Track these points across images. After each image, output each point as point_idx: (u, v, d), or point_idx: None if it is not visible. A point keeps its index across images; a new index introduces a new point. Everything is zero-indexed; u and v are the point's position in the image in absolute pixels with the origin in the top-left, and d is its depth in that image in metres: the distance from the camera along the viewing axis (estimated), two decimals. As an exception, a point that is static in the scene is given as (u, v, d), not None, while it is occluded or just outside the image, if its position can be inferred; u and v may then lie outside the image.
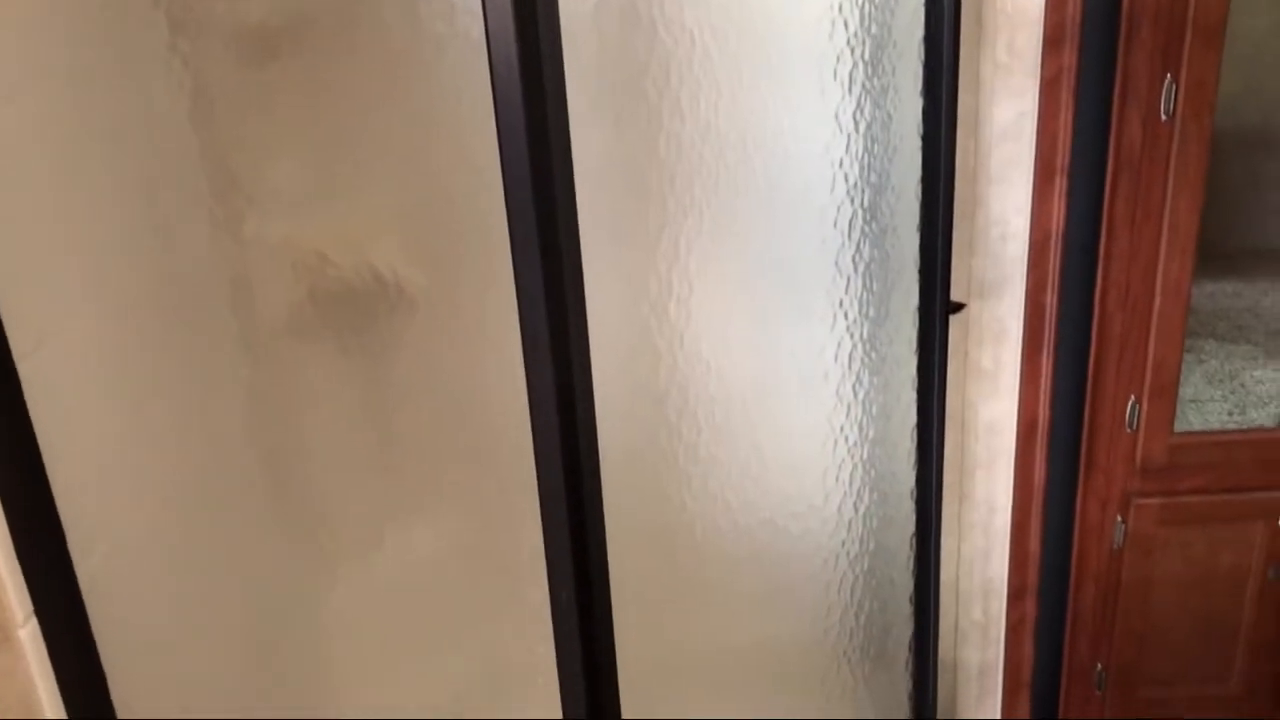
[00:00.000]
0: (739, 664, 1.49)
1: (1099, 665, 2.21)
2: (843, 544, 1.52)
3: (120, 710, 1.09)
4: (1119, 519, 2.08)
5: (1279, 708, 2.23)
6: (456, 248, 1.42)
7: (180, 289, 1.30)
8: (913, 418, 1.53)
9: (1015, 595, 2.13)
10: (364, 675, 1.58)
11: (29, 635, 0.99)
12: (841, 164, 1.37)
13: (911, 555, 1.60)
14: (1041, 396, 1.98)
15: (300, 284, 1.43)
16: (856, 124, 1.37)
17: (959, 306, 1.77)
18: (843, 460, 1.49)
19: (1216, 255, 1.94)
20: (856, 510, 1.53)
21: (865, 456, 1.51)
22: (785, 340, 1.40)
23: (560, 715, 1.14)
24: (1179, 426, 2.06)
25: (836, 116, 1.35)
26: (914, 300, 1.48)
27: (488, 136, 0.94)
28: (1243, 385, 2.37)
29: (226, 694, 1.36)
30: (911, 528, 1.59)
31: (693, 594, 1.40)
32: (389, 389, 1.49)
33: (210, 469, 1.39)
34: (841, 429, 1.47)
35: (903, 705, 1.66)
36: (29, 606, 0.98)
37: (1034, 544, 2.09)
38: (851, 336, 1.44)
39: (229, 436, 1.42)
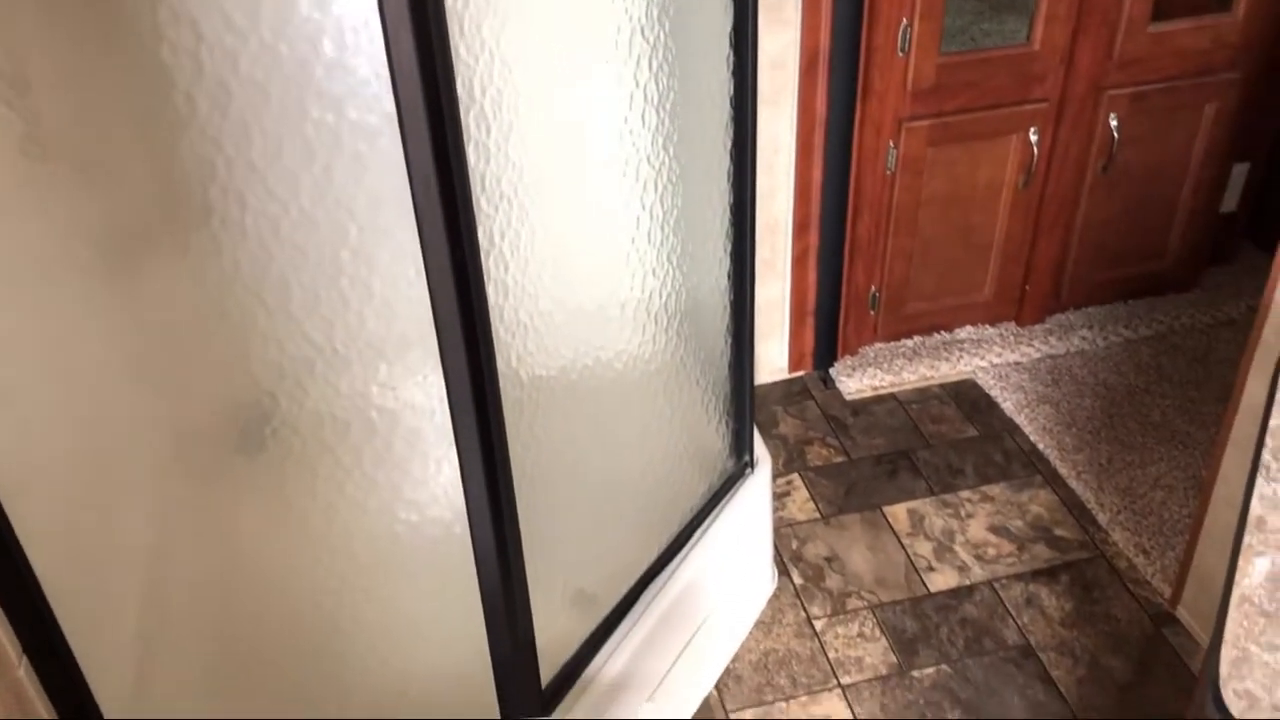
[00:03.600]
0: (587, 314, 1.48)
1: (873, 287, 2.38)
2: (665, 164, 1.52)
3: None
4: (891, 144, 2.19)
5: (1022, 309, 2.50)
6: None
7: None
8: (728, 37, 1.51)
9: (800, 229, 2.23)
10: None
11: None
12: None
13: (730, 167, 1.61)
14: (823, 24, 2.00)
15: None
16: None
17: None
18: (670, 77, 1.46)
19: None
20: (674, 123, 1.52)
21: (682, 71, 1.49)
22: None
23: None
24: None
25: None
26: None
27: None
28: (973, 39, 2.49)
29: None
30: (730, 140, 1.60)
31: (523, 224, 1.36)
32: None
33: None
34: (661, 50, 1.43)
35: (722, 326, 1.73)
36: None
37: (816, 176, 2.17)
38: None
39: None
